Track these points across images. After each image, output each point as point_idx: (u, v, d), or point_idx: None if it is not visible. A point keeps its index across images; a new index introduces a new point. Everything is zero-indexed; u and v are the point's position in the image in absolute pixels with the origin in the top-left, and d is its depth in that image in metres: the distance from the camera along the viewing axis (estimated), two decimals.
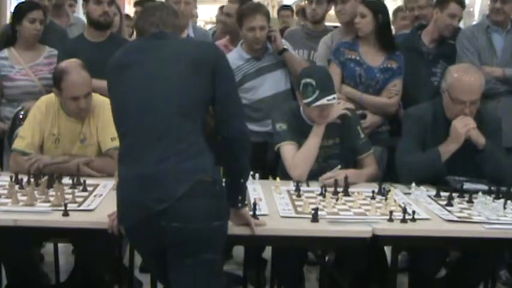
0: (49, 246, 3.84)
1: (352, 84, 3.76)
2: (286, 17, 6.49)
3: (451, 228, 2.64)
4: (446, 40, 3.99)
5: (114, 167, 2.52)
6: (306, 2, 4.23)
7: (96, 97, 3.25)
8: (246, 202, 2.60)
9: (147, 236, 2.30)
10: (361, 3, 3.77)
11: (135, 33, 2.82)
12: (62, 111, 3.25)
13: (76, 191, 2.83)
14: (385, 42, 3.75)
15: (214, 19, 7.95)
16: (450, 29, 3.94)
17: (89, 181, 2.99)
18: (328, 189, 2.97)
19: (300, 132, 3.28)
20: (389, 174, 3.40)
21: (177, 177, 2.21)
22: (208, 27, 9.02)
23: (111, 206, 2.45)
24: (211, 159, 2.31)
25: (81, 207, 2.66)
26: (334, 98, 3.19)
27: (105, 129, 3.18)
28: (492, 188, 3.00)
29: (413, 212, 2.65)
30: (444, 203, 2.88)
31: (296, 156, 3.22)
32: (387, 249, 3.41)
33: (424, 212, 2.76)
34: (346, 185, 3.01)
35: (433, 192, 3.04)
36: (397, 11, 5.26)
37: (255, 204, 2.71)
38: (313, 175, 3.20)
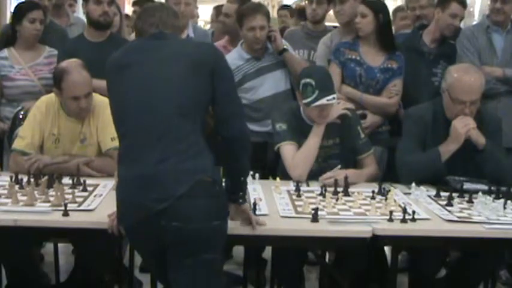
0: (49, 246, 3.84)
1: (353, 84, 3.75)
2: (284, 16, 6.47)
3: (451, 228, 2.64)
4: (447, 40, 3.99)
5: (114, 167, 2.52)
6: (306, 2, 4.22)
7: (96, 97, 3.25)
8: (246, 202, 2.60)
9: (146, 236, 2.30)
10: (361, 3, 3.76)
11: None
12: (62, 111, 3.25)
13: (76, 191, 2.82)
14: (385, 42, 3.75)
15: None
16: (451, 28, 3.94)
17: (89, 181, 2.99)
18: (328, 189, 2.97)
19: (300, 132, 3.28)
20: (390, 174, 3.40)
21: (176, 177, 2.22)
22: (208, 27, 8.99)
23: (111, 206, 2.45)
24: (211, 159, 2.31)
25: (81, 207, 2.66)
26: (333, 98, 3.19)
27: (105, 129, 3.18)
28: (492, 188, 3.00)
29: (413, 212, 2.65)
30: (444, 203, 2.88)
31: (296, 156, 3.22)
32: (387, 249, 3.42)
33: (424, 212, 2.76)
34: (346, 185, 3.01)
35: (433, 192, 3.03)
36: (396, 10, 5.24)
37: (255, 204, 2.70)
38: (313, 175, 3.20)
